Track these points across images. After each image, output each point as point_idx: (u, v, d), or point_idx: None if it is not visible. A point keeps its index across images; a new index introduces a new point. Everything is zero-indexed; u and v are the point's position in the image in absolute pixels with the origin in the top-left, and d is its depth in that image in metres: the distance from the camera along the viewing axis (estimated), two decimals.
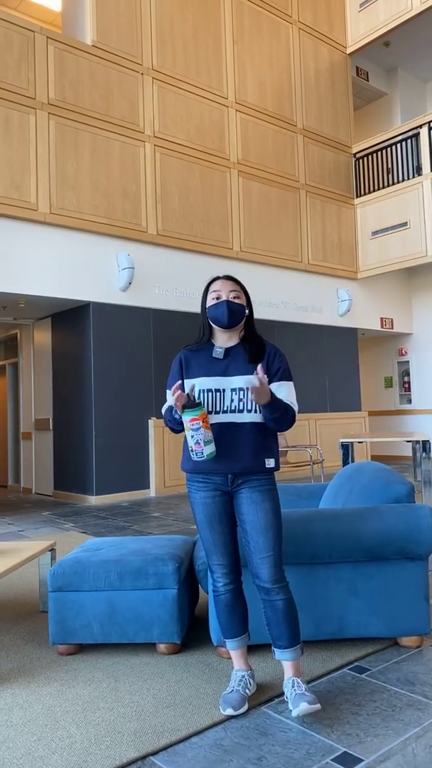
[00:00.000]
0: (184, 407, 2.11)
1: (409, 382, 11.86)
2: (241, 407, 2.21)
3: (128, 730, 2.05)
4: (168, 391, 2.32)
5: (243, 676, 2.24)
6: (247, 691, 2.21)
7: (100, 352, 7.76)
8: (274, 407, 2.16)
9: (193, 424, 2.09)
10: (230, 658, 2.55)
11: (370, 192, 10.68)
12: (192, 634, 2.86)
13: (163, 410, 2.34)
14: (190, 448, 2.14)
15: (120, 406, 7.88)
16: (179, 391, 2.12)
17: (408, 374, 11.90)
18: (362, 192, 10.82)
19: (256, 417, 2.22)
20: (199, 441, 2.10)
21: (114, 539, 3.16)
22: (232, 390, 2.21)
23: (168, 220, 8.34)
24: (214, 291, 2.31)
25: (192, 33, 8.83)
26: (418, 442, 7.42)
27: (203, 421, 2.10)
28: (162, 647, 2.66)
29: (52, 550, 3.34)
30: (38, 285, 7.20)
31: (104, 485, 7.68)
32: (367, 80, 11.65)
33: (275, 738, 1.99)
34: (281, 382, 2.27)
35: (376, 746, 1.92)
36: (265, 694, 2.27)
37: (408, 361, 11.90)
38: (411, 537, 2.57)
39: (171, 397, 2.17)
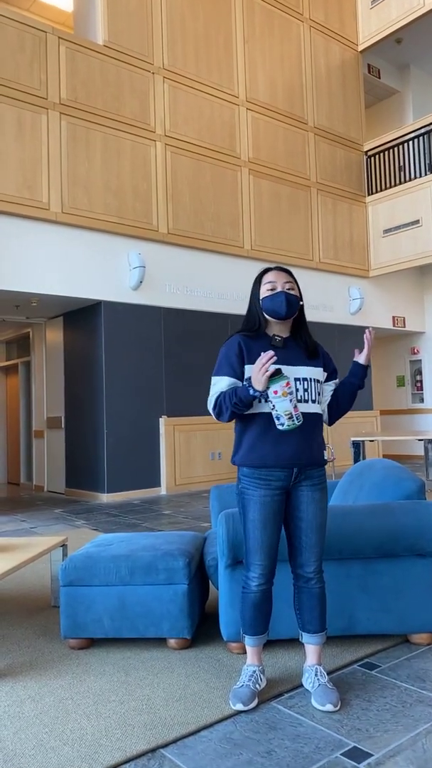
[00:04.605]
0: (270, 378, 2.07)
1: (421, 381, 11.79)
2: (306, 397, 2.20)
3: (139, 723, 2.07)
4: (217, 377, 2.25)
5: (254, 672, 2.24)
6: (257, 686, 2.21)
7: (112, 351, 7.80)
8: (366, 369, 2.33)
9: (289, 388, 2.08)
10: (241, 653, 2.57)
11: (381, 190, 10.63)
12: (202, 630, 2.87)
13: (215, 398, 2.22)
14: (287, 416, 2.07)
15: (131, 405, 7.91)
16: (267, 364, 2.05)
17: (420, 373, 11.83)
18: (374, 190, 10.77)
19: (317, 408, 2.25)
20: (296, 404, 2.10)
21: (125, 535, 3.17)
22: (296, 380, 2.20)
23: (179, 218, 8.35)
24: (269, 282, 2.27)
25: (203, 32, 8.84)
26: (430, 440, 7.38)
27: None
28: (172, 642, 2.67)
29: (63, 545, 3.37)
30: (50, 284, 7.24)
31: (115, 483, 7.71)
32: (379, 77, 11.60)
33: (285, 732, 2.00)
34: (336, 380, 2.38)
35: (386, 741, 1.92)
36: (275, 689, 2.27)
37: (420, 360, 11.84)
38: (421, 534, 2.56)
39: (254, 372, 2.07)
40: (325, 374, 2.33)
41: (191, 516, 6.24)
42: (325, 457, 2.28)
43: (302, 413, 2.15)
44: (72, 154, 7.43)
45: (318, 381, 2.26)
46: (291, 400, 2.08)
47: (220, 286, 8.77)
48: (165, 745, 1.94)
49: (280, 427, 2.11)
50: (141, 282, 7.88)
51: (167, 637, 2.67)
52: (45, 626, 3.03)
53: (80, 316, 8.21)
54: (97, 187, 7.62)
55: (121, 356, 7.88)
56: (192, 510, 6.63)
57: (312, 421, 2.22)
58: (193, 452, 8.35)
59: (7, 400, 11.01)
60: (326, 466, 2.33)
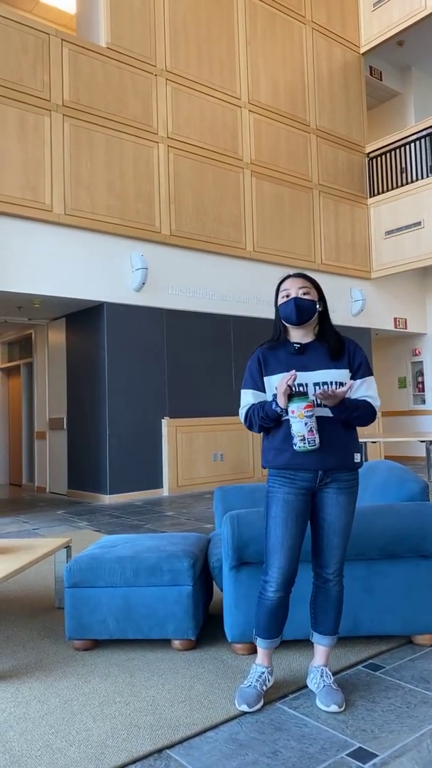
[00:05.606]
0: (292, 397, 2.09)
1: (423, 383, 11.80)
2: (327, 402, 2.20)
3: (144, 723, 2.07)
4: (243, 390, 2.30)
5: (263, 673, 2.25)
6: (263, 687, 2.22)
7: (114, 352, 7.81)
8: (342, 408, 2.15)
9: (307, 411, 2.08)
10: (245, 654, 2.58)
11: (383, 192, 10.64)
12: (206, 631, 2.87)
13: (245, 411, 2.28)
14: (300, 437, 2.09)
15: (133, 406, 7.92)
16: (289, 381, 2.08)
17: (422, 374, 11.83)
18: (376, 192, 10.78)
19: None
20: (312, 428, 2.09)
21: (129, 536, 3.18)
22: (315, 384, 2.20)
23: (181, 220, 8.37)
24: (284, 290, 2.30)
25: (205, 34, 8.86)
26: (431, 442, 7.38)
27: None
28: (177, 643, 2.68)
29: (67, 547, 3.38)
30: (52, 285, 7.26)
31: (118, 484, 7.72)
32: (381, 80, 11.61)
33: (290, 733, 2.01)
34: (364, 378, 2.28)
35: (391, 742, 1.93)
36: (280, 690, 2.28)
37: (422, 361, 11.84)
38: (425, 535, 2.57)
39: (277, 391, 2.12)
40: (351, 373, 2.27)
41: (194, 517, 6.25)
42: (356, 460, 2.23)
43: (324, 417, 2.16)
44: (75, 155, 7.45)
45: (341, 383, 2.21)
46: (306, 424, 2.08)
47: (223, 288, 8.78)
48: (171, 746, 1.95)
49: (294, 447, 2.12)
50: (143, 283, 7.89)
51: (172, 638, 2.68)
52: (49, 627, 3.04)
53: (82, 318, 8.22)
54: (100, 189, 7.63)
55: (124, 357, 7.89)
56: (194, 511, 6.63)
57: (335, 425, 2.19)
58: (195, 453, 8.36)
59: (9, 401, 11.02)
60: None
